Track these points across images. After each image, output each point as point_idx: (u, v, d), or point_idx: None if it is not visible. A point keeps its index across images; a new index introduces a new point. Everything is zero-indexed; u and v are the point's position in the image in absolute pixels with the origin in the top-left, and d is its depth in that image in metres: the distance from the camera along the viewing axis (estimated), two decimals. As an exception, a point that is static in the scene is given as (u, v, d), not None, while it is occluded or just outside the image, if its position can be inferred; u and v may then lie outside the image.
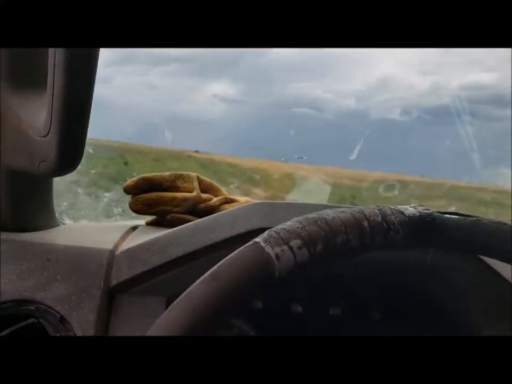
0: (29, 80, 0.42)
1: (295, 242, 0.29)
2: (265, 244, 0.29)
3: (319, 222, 0.30)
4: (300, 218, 0.31)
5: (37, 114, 0.39)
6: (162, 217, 0.62)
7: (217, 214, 0.50)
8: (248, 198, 0.69)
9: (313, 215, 0.31)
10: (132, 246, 0.49)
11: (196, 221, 0.50)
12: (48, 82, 0.35)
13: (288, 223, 0.31)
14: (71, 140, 0.38)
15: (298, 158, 1.07)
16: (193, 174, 0.64)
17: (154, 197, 0.60)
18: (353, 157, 0.99)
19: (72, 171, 0.41)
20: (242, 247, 0.30)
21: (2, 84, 0.41)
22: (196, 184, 0.63)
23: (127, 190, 0.60)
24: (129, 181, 0.59)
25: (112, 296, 0.47)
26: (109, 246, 0.50)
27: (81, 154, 0.39)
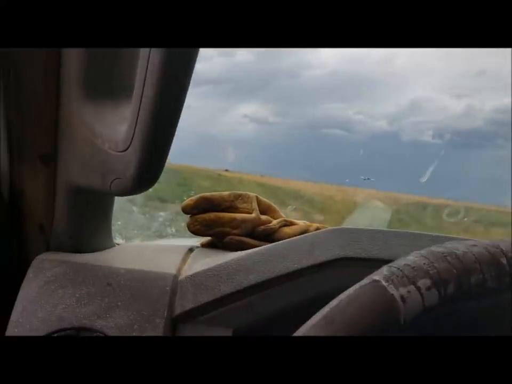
0: (103, 89, 0.39)
1: (423, 282, 0.25)
2: (387, 283, 0.25)
3: (448, 258, 0.26)
4: (423, 252, 0.27)
5: (115, 127, 0.36)
6: (220, 239, 0.58)
7: (291, 239, 0.46)
8: (306, 222, 0.65)
9: (440, 248, 0.27)
10: (197, 272, 0.46)
11: (267, 246, 0.46)
12: (135, 92, 0.32)
13: (411, 258, 0.27)
14: (154, 155, 0.34)
15: (365, 179, 1.02)
16: (252, 194, 0.60)
17: (213, 217, 0.57)
18: (424, 179, 0.94)
19: (147, 189, 0.37)
20: (358, 285, 0.26)
21: (74, 93, 0.39)
22: (255, 205, 0.60)
23: (185, 210, 0.56)
24: (188, 200, 0.56)
25: (175, 325, 0.44)
26: (172, 270, 0.46)
27: (161, 171, 0.36)
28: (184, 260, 0.52)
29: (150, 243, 0.61)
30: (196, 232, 0.57)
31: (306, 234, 0.46)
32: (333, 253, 0.42)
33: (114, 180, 0.37)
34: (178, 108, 0.32)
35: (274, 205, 0.63)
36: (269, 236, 0.58)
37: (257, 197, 0.61)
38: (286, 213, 0.64)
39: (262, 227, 0.58)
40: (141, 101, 0.31)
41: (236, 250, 0.57)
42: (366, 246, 0.42)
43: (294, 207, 0.97)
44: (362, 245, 0.43)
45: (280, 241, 0.46)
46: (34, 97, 0.39)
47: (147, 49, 0.29)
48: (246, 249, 0.56)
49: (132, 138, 0.33)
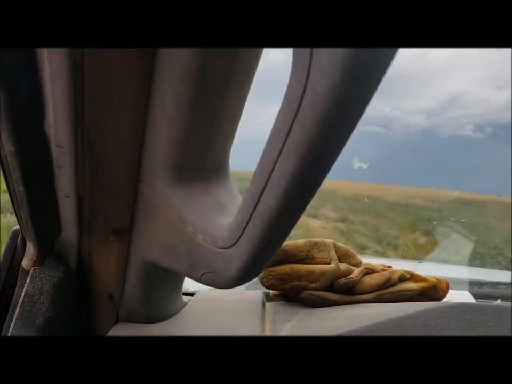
0: (194, 172, 0.33)
1: None
2: None
3: None
4: None
5: (210, 218, 0.31)
6: (296, 294, 0.53)
7: (396, 318, 0.40)
8: (384, 265, 0.59)
9: None
10: None
11: (366, 325, 0.40)
12: (249, 195, 0.26)
13: None
14: (264, 256, 0.29)
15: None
16: (329, 241, 0.55)
17: (289, 270, 0.51)
18: (465, 174, 0.86)
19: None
20: None
21: (161, 173, 0.33)
22: (333, 253, 0.54)
23: (258, 263, 0.51)
24: (261, 253, 0.51)
25: None
26: None
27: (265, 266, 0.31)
28: (263, 323, 0.47)
29: (217, 296, 0.56)
30: (270, 287, 0.52)
31: (417, 311, 0.40)
32: None
33: (207, 273, 0.31)
34: (304, 208, 0.26)
35: (351, 250, 0.58)
36: (351, 289, 0.53)
37: (334, 244, 0.55)
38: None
39: (344, 280, 0.52)
40: (256, 205, 0.25)
41: (315, 306, 0.52)
42: (492, 328, 0.36)
43: (373, 250, 0.90)
44: (488, 326, 0.36)
45: (381, 317, 0.40)
46: (111, 172, 0.34)
47: (279, 141, 0.23)
48: (325, 305, 0.51)
49: (239, 238, 0.27)
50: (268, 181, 0.24)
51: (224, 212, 0.32)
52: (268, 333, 0.44)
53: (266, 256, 0.29)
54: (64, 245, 0.41)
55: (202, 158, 0.33)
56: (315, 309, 0.51)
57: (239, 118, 0.34)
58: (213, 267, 0.31)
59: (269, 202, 0.24)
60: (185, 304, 0.52)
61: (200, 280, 0.33)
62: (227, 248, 0.29)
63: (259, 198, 0.25)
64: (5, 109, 0.30)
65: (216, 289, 0.62)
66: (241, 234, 0.27)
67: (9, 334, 0.40)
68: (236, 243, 0.28)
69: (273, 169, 0.23)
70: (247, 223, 0.26)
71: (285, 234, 0.27)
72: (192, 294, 0.58)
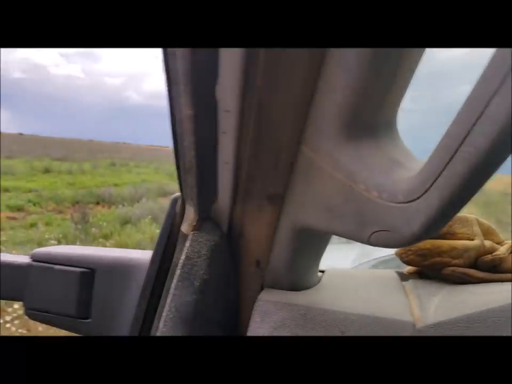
0: (367, 127, 0.33)
1: None
2: None
3: None
4: None
5: (386, 172, 0.31)
6: (437, 270, 0.51)
7: None
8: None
9: None
10: (442, 321, 0.39)
11: None
12: (446, 139, 0.25)
13: None
14: (455, 208, 0.28)
15: None
16: (472, 217, 0.52)
17: (429, 246, 0.50)
18: None
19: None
20: None
21: (329, 131, 0.33)
22: (476, 229, 0.51)
23: (397, 238, 0.50)
24: (401, 227, 0.50)
25: None
26: (406, 316, 0.41)
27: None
28: (408, 297, 0.46)
29: (349, 273, 0.56)
30: (409, 262, 0.51)
31: None
32: None
33: (378, 231, 0.31)
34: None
35: (493, 227, 0.54)
36: (497, 267, 0.50)
37: (477, 219, 0.52)
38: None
39: (489, 256, 0.49)
40: (458, 148, 0.24)
41: (457, 283, 0.49)
42: None
43: None
44: None
45: None
46: (275, 135, 0.35)
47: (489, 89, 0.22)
48: (469, 283, 0.49)
49: (428, 190, 0.27)
50: (479, 117, 0.23)
51: (399, 166, 0.31)
52: (415, 307, 0.43)
53: (458, 209, 0.28)
54: (217, 212, 0.43)
55: (375, 112, 0.32)
56: (459, 285, 0.48)
57: (412, 75, 0.33)
58: (389, 224, 0.30)
59: (478, 144, 0.23)
60: (319, 278, 0.52)
61: (367, 241, 0.33)
62: (409, 202, 0.28)
63: (463, 139, 0.24)
64: (185, 74, 0.32)
65: (345, 267, 0.62)
66: (432, 184, 0.26)
67: (170, 295, 0.43)
68: (422, 195, 0.27)
69: (488, 103, 0.22)
70: (442, 170, 0.25)
71: (485, 182, 0.26)
72: (321, 271, 0.58)
